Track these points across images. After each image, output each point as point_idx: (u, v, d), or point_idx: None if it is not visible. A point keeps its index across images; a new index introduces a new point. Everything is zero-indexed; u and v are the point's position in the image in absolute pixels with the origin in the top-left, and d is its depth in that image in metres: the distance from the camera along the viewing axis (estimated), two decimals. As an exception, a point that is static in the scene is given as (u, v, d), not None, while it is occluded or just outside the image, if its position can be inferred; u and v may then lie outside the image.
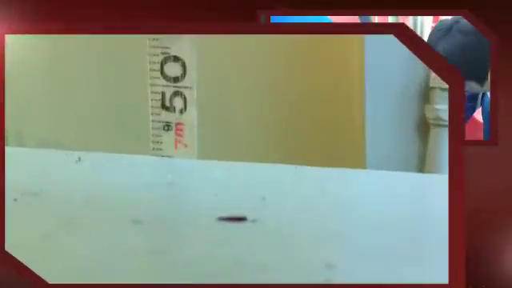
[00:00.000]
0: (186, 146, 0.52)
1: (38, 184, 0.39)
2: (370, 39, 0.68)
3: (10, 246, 0.30)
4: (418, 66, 0.70)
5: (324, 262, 0.29)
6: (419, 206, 0.41)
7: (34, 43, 0.79)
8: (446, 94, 0.68)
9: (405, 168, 0.66)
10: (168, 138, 0.51)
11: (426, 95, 0.69)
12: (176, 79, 0.49)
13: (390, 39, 0.70)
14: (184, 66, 0.48)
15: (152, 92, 0.50)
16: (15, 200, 0.36)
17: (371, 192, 0.42)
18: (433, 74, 0.69)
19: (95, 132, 0.79)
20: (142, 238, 0.32)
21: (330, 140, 0.72)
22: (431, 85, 0.68)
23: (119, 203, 0.36)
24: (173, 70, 0.48)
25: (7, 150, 0.38)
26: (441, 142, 0.68)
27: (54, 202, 0.36)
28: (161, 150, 0.52)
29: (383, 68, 0.69)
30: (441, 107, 0.67)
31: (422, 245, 0.33)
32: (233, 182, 0.43)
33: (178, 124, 0.50)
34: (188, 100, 0.50)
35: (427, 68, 0.69)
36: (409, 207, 0.39)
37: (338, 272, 0.28)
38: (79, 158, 0.45)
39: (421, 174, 0.58)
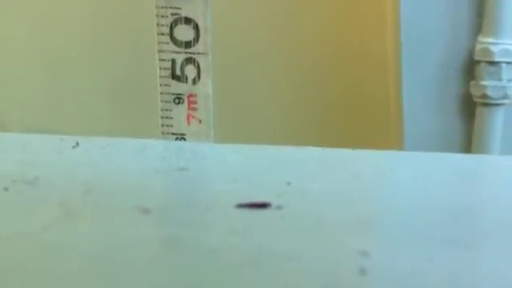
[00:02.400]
0: (200, 121, 0.46)
1: (32, 171, 0.33)
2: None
3: (2, 239, 0.25)
4: (461, 35, 0.62)
5: (357, 250, 0.25)
6: (465, 190, 0.35)
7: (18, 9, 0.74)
8: (493, 69, 0.61)
9: (447, 151, 0.60)
10: (179, 112, 0.45)
11: (470, 70, 0.62)
12: (188, 44, 0.43)
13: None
14: (197, 28, 0.42)
15: (160, 59, 0.44)
16: (6, 189, 0.30)
17: (409, 175, 0.36)
18: (478, 46, 0.61)
19: (94, 112, 0.73)
20: (150, 228, 0.26)
21: (361, 117, 0.66)
22: (476, 58, 0.61)
23: (123, 191, 0.31)
24: (184, 33, 0.42)
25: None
26: (488, 122, 0.61)
27: (51, 190, 0.31)
28: (171, 126, 0.46)
29: (422, 37, 0.62)
30: (488, 83, 0.60)
31: (469, 232, 0.28)
32: (253, 167, 0.37)
33: (190, 96, 0.44)
34: (202, 68, 0.43)
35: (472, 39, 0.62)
36: (453, 191, 0.34)
37: (373, 260, 0.24)
38: (77, 143, 0.40)
39: (466, 155, 0.51)
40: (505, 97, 0.61)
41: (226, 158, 0.39)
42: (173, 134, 0.46)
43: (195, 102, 0.45)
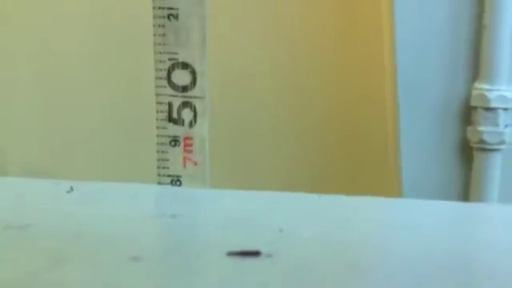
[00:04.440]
0: (195, 164, 0.46)
1: (25, 217, 0.33)
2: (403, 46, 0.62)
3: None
4: (457, 82, 0.63)
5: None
6: (460, 238, 0.35)
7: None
8: (489, 115, 0.61)
9: (445, 197, 0.59)
10: (175, 154, 0.45)
11: (467, 115, 0.62)
12: (185, 88, 0.43)
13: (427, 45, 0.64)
14: (194, 73, 0.42)
15: (158, 103, 0.44)
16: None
17: (404, 222, 0.36)
18: (474, 92, 0.62)
19: (91, 153, 0.73)
20: (141, 277, 0.26)
21: (359, 162, 0.66)
22: (473, 103, 0.62)
23: (114, 238, 0.31)
24: (181, 77, 0.43)
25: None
26: (485, 167, 0.61)
27: (42, 237, 0.31)
28: (167, 168, 0.46)
29: (419, 82, 0.63)
30: (484, 129, 0.61)
31: (464, 283, 0.28)
32: (247, 213, 0.37)
33: (186, 139, 0.45)
34: (198, 111, 0.44)
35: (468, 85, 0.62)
36: (447, 239, 0.34)
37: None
38: (71, 188, 0.40)
39: (462, 204, 0.51)
40: (502, 142, 0.61)
41: (219, 204, 0.39)
42: (168, 175, 0.46)
43: (191, 145, 0.45)
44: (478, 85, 0.62)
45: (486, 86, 0.61)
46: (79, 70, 0.73)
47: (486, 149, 0.61)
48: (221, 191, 0.41)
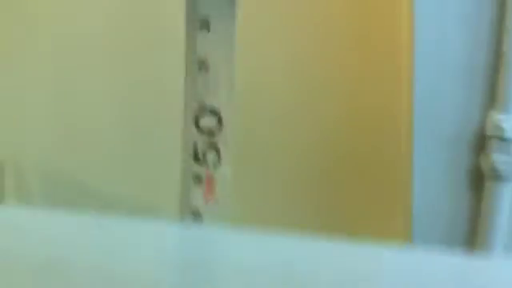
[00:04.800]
0: (217, 202, 0.47)
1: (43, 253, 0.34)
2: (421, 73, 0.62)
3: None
4: (472, 109, 0.64)
5: None
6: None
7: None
8: (503, 144, 0.62)
9: (456, 224, 0.61)
10: (198, 192, 0.46)
11: (481, 144, 0.63)
12: (211, 133, 0.44)
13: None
14: (220, 119, 0.43)
15: (184, 141, 0.45)
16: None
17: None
18: (489, 121, 0.63)
19: (115, 185, 0.74)
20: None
21: (371, 188, 0.67)
22: (487, 132, 0.62)
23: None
24: (208, 122, 0.43)
25: None
26: (497, 196, 0.62)
27: (59, 275, 0.32)
28: (189, 204, 0.47)
29: (434, 110, 0.64)
30: (498, 158, 0.61)
31: None
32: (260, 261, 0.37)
33: (209, 178, 0.46)
34: (222, 155, 0.44)
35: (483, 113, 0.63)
36: None
37: None
38: (95, 225, 0.40)
39: (475, 260, 0.52)
40: (514, 173, 0.62)
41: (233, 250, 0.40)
42: (190, 211, 0.47)
43: (214, 185, 0.46)
44: (493, 113, 0.63)
45: (501, 116, 0.62)
46: (105, 106, 0.74)
47: (497, 178, 0.62)
48: (235, 236, 0.42)
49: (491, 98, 0.64)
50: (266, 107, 0.70)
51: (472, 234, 0.63)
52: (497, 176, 0.62)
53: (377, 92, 0.67)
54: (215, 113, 0.43)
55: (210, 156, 0.44)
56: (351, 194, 0.68)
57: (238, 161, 0.46)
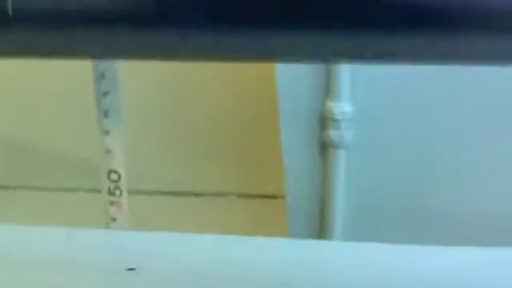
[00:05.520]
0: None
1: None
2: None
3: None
4: (317, 97, 0.89)
5: None
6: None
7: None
8: (336, 123, 0.87)
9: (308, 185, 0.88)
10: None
11: (324, 122, 0.89)
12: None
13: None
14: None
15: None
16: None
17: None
18: (327, 105, 0.88)
19: None
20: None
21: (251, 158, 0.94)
22: (326, 115, 0.88)
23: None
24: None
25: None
26: (336, 159, 0.88)
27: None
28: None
29: (293, 99, 0.89)
30: (333, 133, 0.87)
31: None
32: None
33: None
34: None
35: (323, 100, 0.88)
36: None
37: None
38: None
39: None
40: (343, 143, 0.88)
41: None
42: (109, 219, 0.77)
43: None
44: (328, 101, 0.88)
45: (333, 103, 0.87)
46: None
47: (334, 146, 0.88)
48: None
49: (328, 89, 0.88)
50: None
51: (321, 188, 0.90)
52: (333, 145, 0.88)
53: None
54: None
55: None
56: (237, 156, 0.96)
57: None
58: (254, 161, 0.96)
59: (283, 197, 0.94)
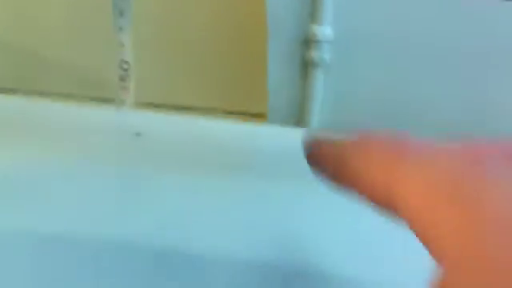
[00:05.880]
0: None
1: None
2: None
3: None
4: (302, 20, 0.98)
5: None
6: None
7: None
8: (318, 44, 0.97)
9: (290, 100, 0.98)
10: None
11: (308, 44, 0.98)
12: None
13: None
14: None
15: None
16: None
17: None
18: (310, 27, 0.97)
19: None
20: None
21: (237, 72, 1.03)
22: (309, 37, 0.97)
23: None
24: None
25: None
26: (315, 78, 0.98)
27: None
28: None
29: (279, 22, 0.98)
30: (314, 54, 0.97)
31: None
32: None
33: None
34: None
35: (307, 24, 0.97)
36: None
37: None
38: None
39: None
40: (324, 62, 0.97)
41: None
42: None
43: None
44: (312, 24, 0.97)
45: (315, 25, 0.96)
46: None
47: (314, 66, 0.97)
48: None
49: (312, 14, 0.97)
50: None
51: (300, 104, 1.00)
52: (314, 65, 0.98)
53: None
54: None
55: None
56: (226, 75, 1.05)
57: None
58: (241, 80, 1.05)
59: (266, 116, 1.04)
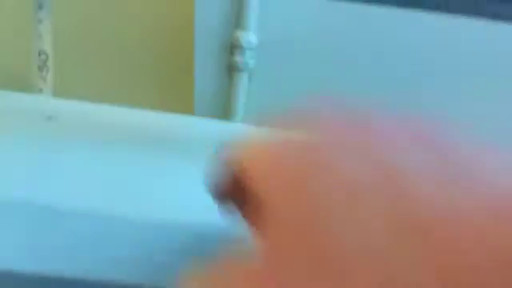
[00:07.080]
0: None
1: None
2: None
3: None
4: (228, 28, 1.00)
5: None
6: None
7: None
8: (242, 50, 0.99)
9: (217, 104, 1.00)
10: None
11: (233, 49, 1.00)
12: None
13: None
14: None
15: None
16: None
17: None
18: (235, 34, 0.99)
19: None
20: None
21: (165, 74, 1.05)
22: (234, 42, 0.99)
23: None
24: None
25: None
26: (239, 81, 1.00)
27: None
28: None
29: (207, 27, 1.00)
30: (238, 58, 0.99)
31: None
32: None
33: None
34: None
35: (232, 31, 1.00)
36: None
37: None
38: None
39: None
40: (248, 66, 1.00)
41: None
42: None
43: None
44: (237, 30, 1.00)
45: (240, 32, 0.99)
46: None
47: (238, 69, 1.00)
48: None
49: (238, 20, 1.00)
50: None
51: (225, 106, 1.02)
52: (238, 69, 1.00)
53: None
54: None
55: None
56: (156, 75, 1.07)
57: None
58: (167, 81, 1.07)
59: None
